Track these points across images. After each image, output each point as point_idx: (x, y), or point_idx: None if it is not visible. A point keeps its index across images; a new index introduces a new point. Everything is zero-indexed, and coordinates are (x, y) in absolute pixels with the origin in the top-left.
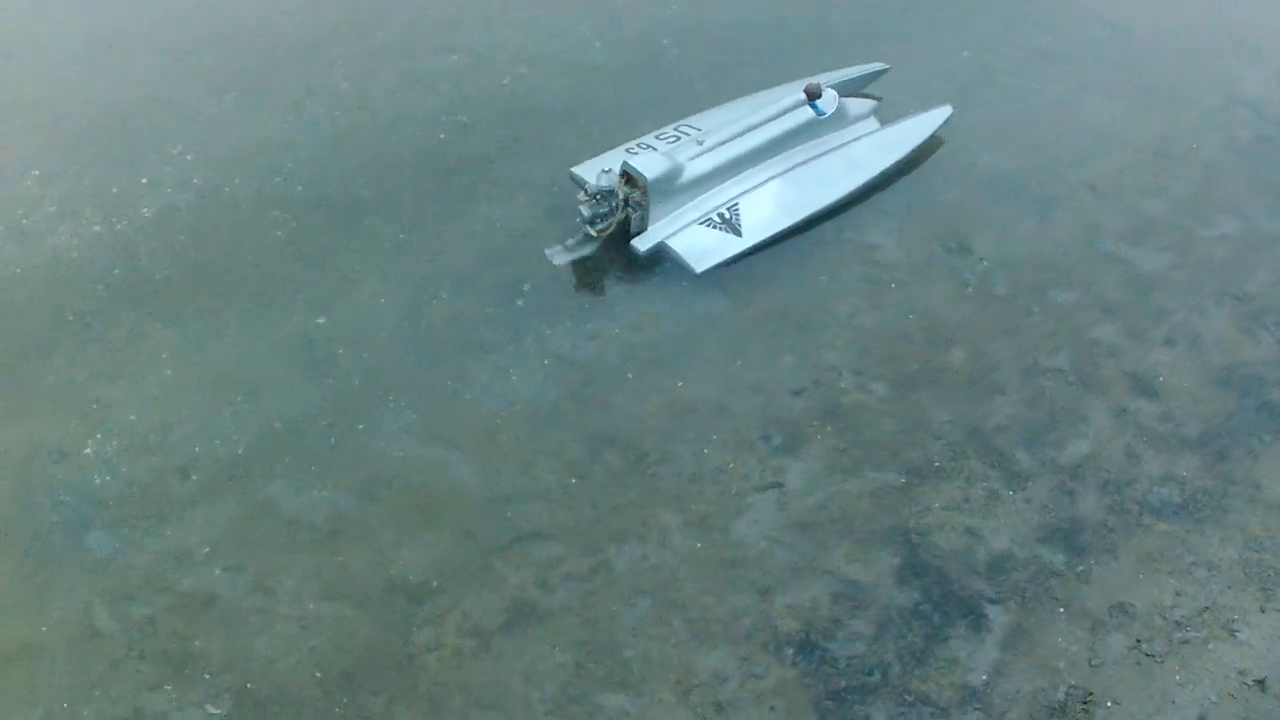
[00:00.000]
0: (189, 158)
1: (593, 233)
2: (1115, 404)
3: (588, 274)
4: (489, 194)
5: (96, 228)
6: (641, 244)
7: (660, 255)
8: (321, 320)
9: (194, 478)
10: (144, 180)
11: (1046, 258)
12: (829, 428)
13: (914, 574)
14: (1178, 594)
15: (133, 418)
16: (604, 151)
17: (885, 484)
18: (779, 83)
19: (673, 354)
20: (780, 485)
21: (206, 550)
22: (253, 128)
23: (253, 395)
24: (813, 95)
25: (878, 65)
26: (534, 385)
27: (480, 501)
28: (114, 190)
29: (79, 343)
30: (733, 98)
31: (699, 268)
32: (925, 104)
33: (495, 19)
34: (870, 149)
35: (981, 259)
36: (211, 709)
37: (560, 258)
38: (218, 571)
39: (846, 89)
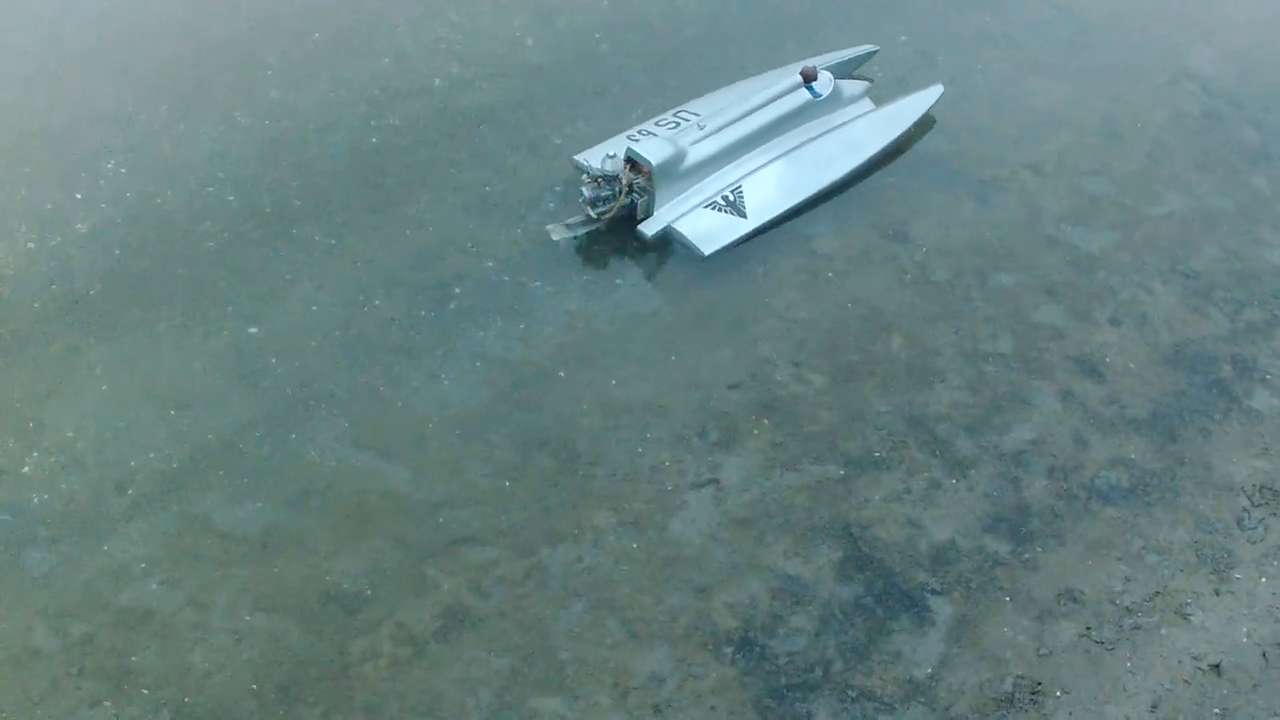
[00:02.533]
0: (122, 171)
1: (593, 214)
2: (1060, 388)
3: (519, 273)
4: (420, 196)
5: (31, 245)
6: (648, 229)
7: (667, 239)
8: (254, 330)
9: (130, 493)
10: (78, 195)
11: (987, 242)
12: (766, 421)
13: (855, 567)
14: (1128, 579)
15: (69, 435)
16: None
17: (824, 477)
18: (718, 72)
19: (606, 352)
20: (717, 481)
21: (143, 565)
22: (184, 139)
23: (186, 408)
24: (809, 78)
25: (868, 47)
26: (465, 388)
27: (413, 508)
28: (48, 206)
29: (15, 361)
30: (669, 90)
31: (707, 250)
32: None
33: (426, 20)
34: (867, 129)
35: (920, 245)
36: None
37: (559, 233)
38: (154, 586)
39: (839, 71)
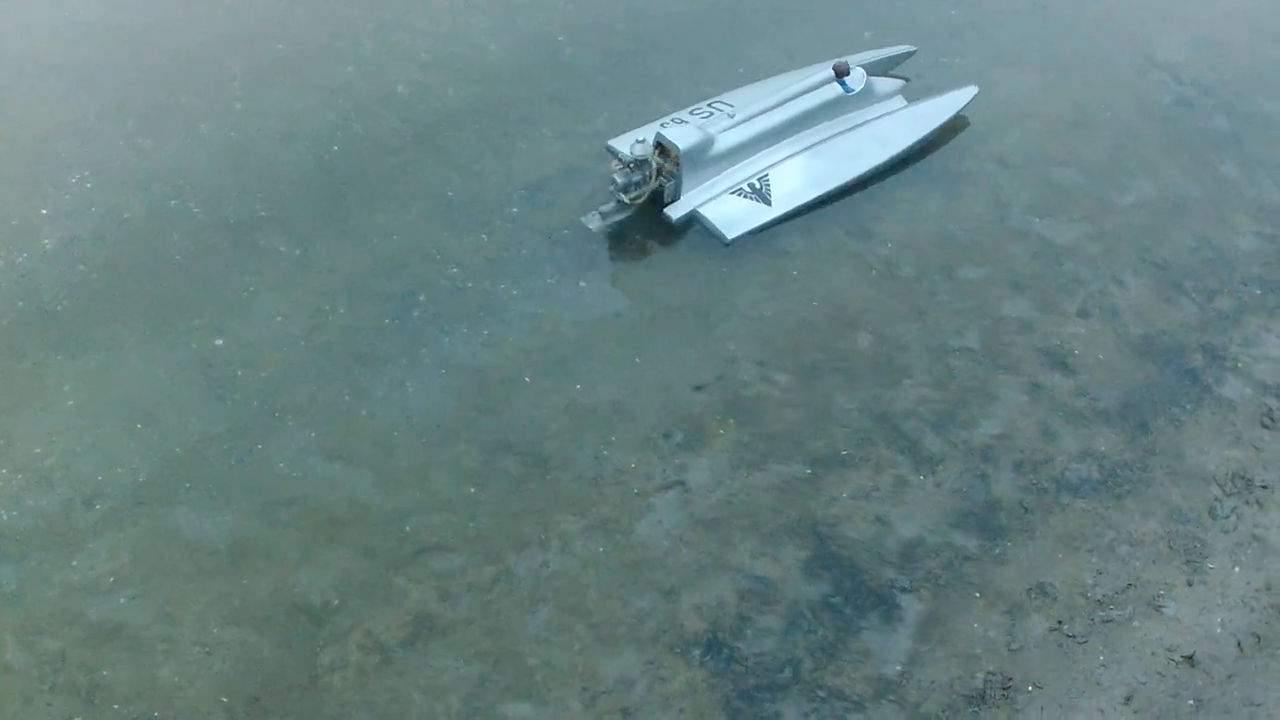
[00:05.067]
0: (88, 185)
1: (626, 200)
2: (1028, 381)
3: (484, 279)
4: (383, 204)
5: None
6: (674, 212)
7: (692, 223)
8: (219, 342)
9: (98, 507)
10: (44, 211)
11: (954, 236)
12: (732, 421)
13: (823, 566)
14: (1099, 572)
15: (37, 450)
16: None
17: (791, 476)
18: (681, 73)
19: (571, 356)
20: (683, 483)
21: (112, 580)
22: (149, 151)
23: (153, 421)
24: (841, 73)
25: (906, 47)
26: (431, 396)
27: (380, 517)
28: (14, 222)
29: None
30: (632, 92)
31: (730, 235)
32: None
33: (389, 26)
34: (897, 126)
35: (886, 241)
36: None
37: (595, 223)
38: (123, 601)
39: (875, 69)
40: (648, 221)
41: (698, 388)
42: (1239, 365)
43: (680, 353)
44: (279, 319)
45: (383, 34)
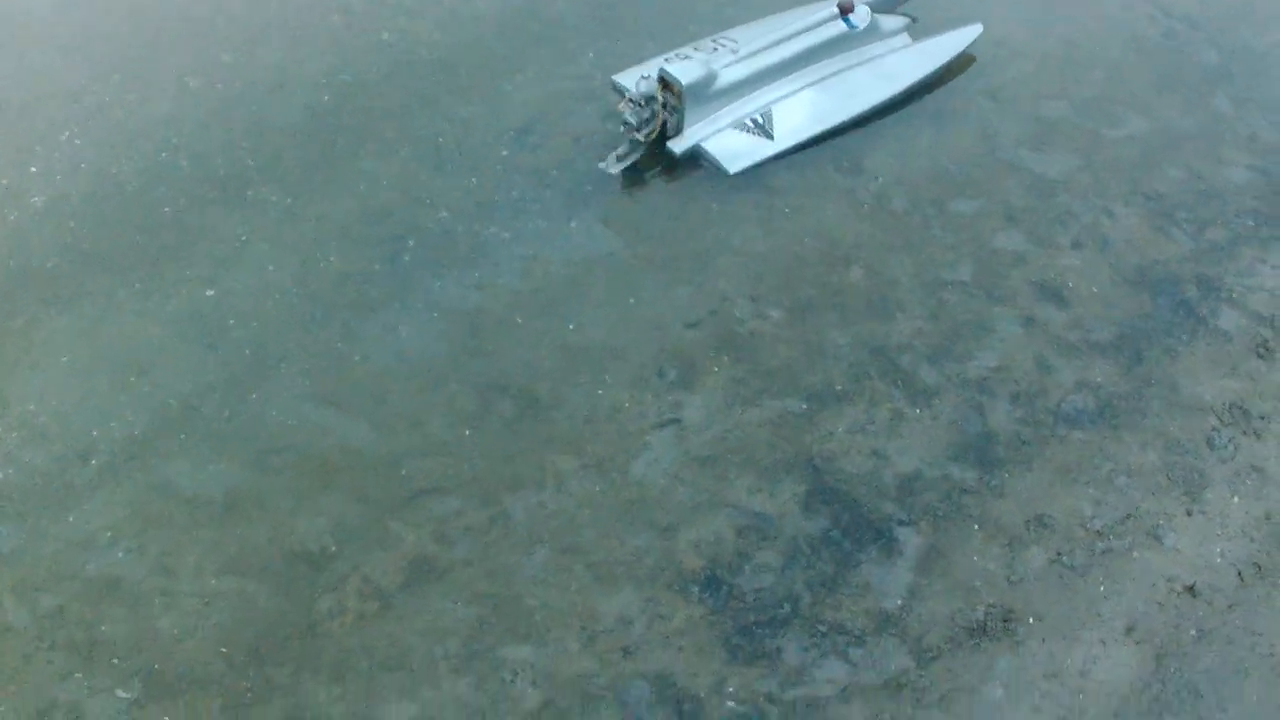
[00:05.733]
0: (77, 143)
1: (640, 137)
2: (1022, 313)
3: (474, 222)
4: (372, 151)
5: None
6: (677, 146)
7: (688, 160)
8: (211, 292)
9: (93, 462)
10: (33, 170)
11: (945, 171)
12: (726, 358)
13: (820, 501)
14: (1098, 503)
15: (31, 407)
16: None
17: (786, 411)
18: (669, 15)
19: (563, 297)
20: (678, 421)
21: (109, 534)
22: (138, 108)
23: (147, 375)
24: (845, 10)
25: None
26: (423, 340)
27: (374, 462)
28: (3, 182)
29: None
30: (619, 35)
31: (732, 168)
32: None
33: None
34: (901, 63)
35: (877, 176)
36: (122, 693)
37: (614, 167)
38: (120, 554)
39: (879, 6)
40: (638, 161)
41: (691, 325)
42: (1234, 296)
43: (673, 290)
44: (270, 268)
45: None
